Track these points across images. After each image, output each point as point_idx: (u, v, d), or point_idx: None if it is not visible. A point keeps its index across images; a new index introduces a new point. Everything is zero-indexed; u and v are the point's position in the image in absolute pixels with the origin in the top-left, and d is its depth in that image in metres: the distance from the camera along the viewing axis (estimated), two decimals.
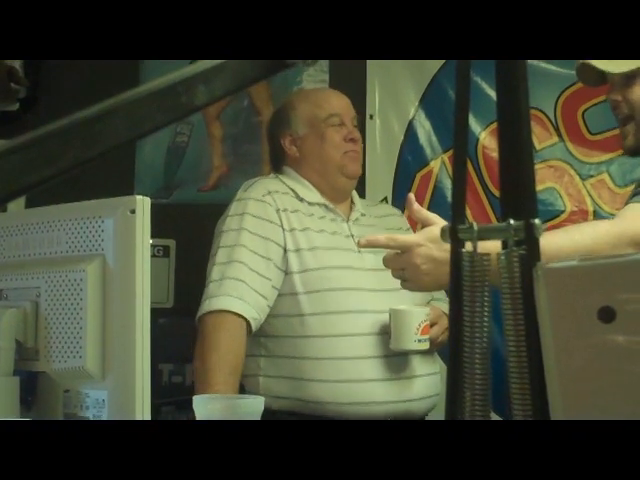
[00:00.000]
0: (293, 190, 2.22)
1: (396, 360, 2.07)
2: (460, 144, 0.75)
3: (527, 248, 0.67)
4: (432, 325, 2.06)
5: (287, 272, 2.10)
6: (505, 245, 0.70)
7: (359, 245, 1.70)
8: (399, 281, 2.12)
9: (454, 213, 0.71)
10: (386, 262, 1.63)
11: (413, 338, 1.99)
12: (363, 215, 2.31)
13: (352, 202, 2.33)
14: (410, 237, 1.64)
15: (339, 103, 2.31)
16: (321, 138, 2.24)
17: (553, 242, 1.48)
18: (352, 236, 2.21)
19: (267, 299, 2.06)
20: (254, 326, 2.02)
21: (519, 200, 0.69)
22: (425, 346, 2.01)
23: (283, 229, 2.12)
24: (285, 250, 2.11)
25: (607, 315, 0.62)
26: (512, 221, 0.68)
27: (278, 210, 2.14)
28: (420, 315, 2.01)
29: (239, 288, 2.02)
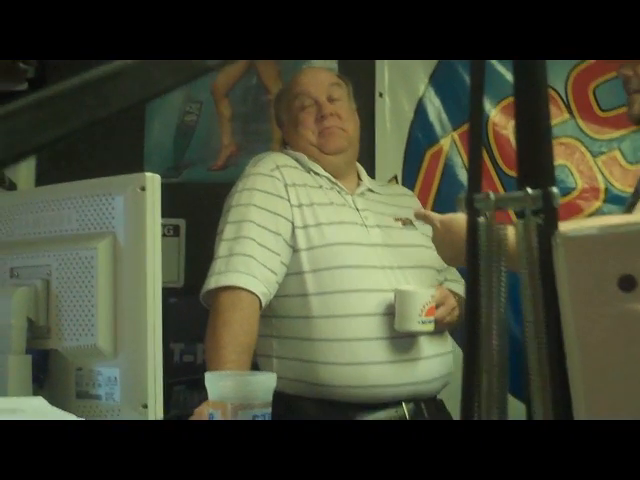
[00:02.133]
0: (300, 162, 2.21)
1: (404, 341, 2.05)
2: (476, 116, 0.73)
3: (545, 217, 0.66)
4: (438, 306, 2.04)
5: (295, 249, 2.09)
6: (522, 215, 0.69)
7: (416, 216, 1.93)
8: (406, 258, 2.15)
9: (470, 182, 0.70)
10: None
11: (417, 319, 1.98)
12: (370, 191, 2.29)
13: (360, 179, 2.32)
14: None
15: (308, 81, 2.28)
16: (295, 123, 2.25)
17: None
18: (358, 210, 2.20)
19: (276, 274, 2.05)
20: (264, 301, 2.00)
21: (536, 169, 0.68)
22: (429, 328, 2.00)
23: (291, 204, 2.11)
24: (294, 226, 2.10)
25: (628, 283, 0.61)
26: (529, 190, 0.67)
27: (286, 185, 2.13)
28: (424, 296, 1.99)
29: (248, 264, 2.00)
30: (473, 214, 0.68)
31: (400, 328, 2.00)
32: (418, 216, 1.97)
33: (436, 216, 1.89)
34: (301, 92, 2.25)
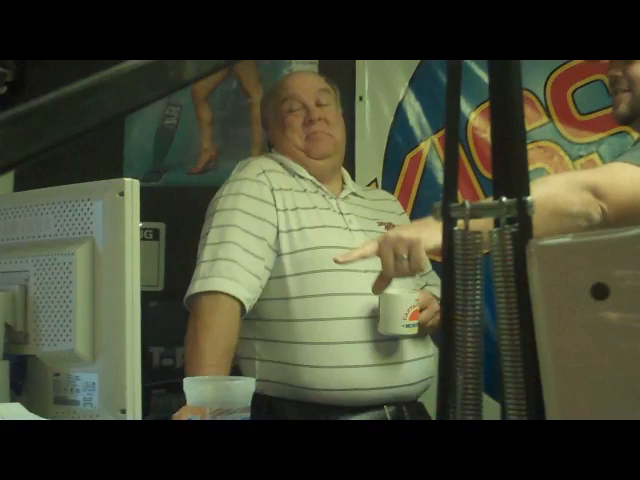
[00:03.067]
0: (285, 167, 2.21)
1: (387, 345, 2.06)
2: (452, 122, 0.74)
3: (519, 225, 0.67)
4: (422, 310, 2.05)
5: (279, 253, 2.09)
6: (497, 223, 0.69)
7: (337, 262, 1.69)
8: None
9: (446, 191, 0.70)
10: (385, 271, 1.64)
11: (401, 323, 1.99)
12: (355, 195, 2.30)
13: (344, 182, 2.33)
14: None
15: (296, 84, 2.29)
16: (282, 125, 2.25)
17: None
18: (342, 214, 2.21)
19: (260, 279, 2.05)
20: (247, 307, 2.01)
21: (511, 177, 0.68)
22: (414, 331, 2.01)
23: (277, 209, 2.11)
24: (278, 230, 2.10)
25: (600, 292, 0.61)
26: (504, 199, 0.68)
27: (272, 189, 2.13)
28: (409, 300, 2.00)
29: (231, 269, 2.00)
30: (448, 223, 0.69)
31: (384, 331, 2.01)
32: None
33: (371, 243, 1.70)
34: (290, 95, 2.25)
